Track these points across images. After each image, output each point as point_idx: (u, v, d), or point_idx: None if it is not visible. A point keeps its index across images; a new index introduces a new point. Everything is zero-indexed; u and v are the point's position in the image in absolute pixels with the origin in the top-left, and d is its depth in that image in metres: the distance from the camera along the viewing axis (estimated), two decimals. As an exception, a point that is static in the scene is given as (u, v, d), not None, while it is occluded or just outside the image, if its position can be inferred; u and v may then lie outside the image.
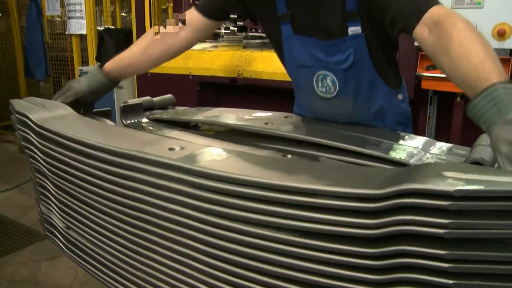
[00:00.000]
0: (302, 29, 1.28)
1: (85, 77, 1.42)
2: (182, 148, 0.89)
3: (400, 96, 1.38)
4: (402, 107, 1.40)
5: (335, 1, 1.20)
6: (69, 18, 4.51)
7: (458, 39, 0.91)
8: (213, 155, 0.86)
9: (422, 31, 1.02)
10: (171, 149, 0.89)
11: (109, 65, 1.42)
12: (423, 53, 2.11)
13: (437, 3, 1.04)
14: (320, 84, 1.32)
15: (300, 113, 1.50)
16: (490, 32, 2.34)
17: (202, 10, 1.42)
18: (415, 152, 1.05)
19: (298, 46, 1.31)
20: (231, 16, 1.46)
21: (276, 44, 1.40)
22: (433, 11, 1.01)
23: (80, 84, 1.40)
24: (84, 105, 1.43)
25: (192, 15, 1.44)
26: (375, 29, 1.20)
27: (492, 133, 0.77)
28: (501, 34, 2.31)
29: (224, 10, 1.42)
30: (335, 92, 1.31)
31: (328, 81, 1.30)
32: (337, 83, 1.30)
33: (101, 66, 1.43)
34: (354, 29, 1.21)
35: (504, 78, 0.82)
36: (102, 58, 4.05)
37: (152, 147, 0.91)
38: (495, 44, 2.34)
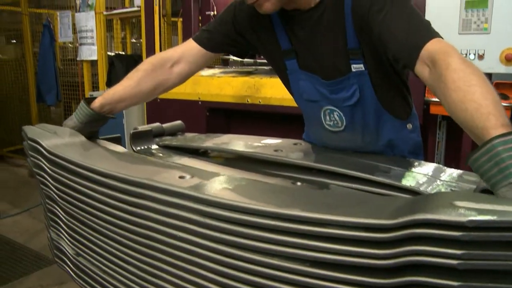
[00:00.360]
0: (307, 65, 1.28)
1: (75, 114, 1.39)
2: (192, 177, 0.89)
3: (409, 126, 1.36)
4: (412, 137, 1.38)
5: (336, 40, 1.20)
6: (81, 44, 4.59)
7: (453, 82, 0.86)
8: (223, 183, 0.86)
9: (422, 70, 0.99)
10: (181, 177, 0.90)
11: (100, 100, 1.38)
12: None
13: (434, 35, 1.01)
14: (327, 118, 1.32)
15: (309, 141, 1.49)
16: (498, 57, 2.35)
17: (201, 42, 1.39)
18: (425, 179, 1.04)
19: (305, 81, 1.30)
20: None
21: (282, 76, 1.39)
22: (429, 47, 0.98)
23: (71, 121, 1.38)
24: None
25: (190, 47, 1.41)
26: (379, 64, 1.20)
27: (496, 194, 0.73)
28: (509, 59, 2.32)
29: (224, 43, 1.39)
30: (343, 126, 1.31)
31: (335, 115, 1.30)
32: (344, 118, 1.29)
33: (88, 100, 1.39)
34: (357, 66, 1.20)
35: (502, 123, 0.78)
36: (112, 83, 4.11)
37: (162, 175, 0.91)
38: (503, 69, 2.35)
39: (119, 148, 1.32)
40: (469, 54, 2.41)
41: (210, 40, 1.39)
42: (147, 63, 1.42)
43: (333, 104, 1.28)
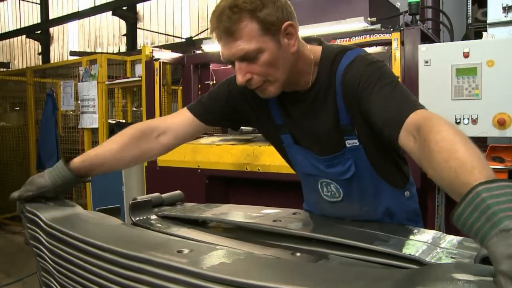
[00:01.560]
0: (302, 142, 1.31)
1: (49, 171, 1.35)
2: (190, 251, 0.89)
3: (407, 194, 1.37)
4: (410, 205, 1.38)
5: (330, 118, 1.23)
6: (82, 112, 4.68)
7: (436, 144, 0.85)
8: (222, 258, 0.86)
9: (407, 140, 0.98)
10: (179, 251, 0.89)
11: (79, 161, 1.36)
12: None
13: (419, 107, 1.02)
14: (325, 189, 1.34)
15: (309, 210, 1.48)
16: (491, 122, 2.41)
17: (196, 112, 1.40)
18: (425, 247, 1.04)
19: (301, 155, 1.32)
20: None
21: (279, 149, 1.40)
22: (412, 118, 0.98)
23: (43, 178, 1.33)
24: (48, 198, 1.35)
25: (182, 117, 1.40)
26: (373, 138, 1.22)
27: (488, 249, 0.65)
28: (501, 123, 2.38)
29: (219, 118, 1.41)
30: (340, 197, 1.32)
31: (332, 187, 1.32)
32: (341, 190, 1.31)
33: (66, 160, 1.36)
34: (351, 142, 1.22)
35: (486, 174, 0.74)
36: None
37: (160, 250, 0.91)
38: (497, 133, 2.40)
39: (116, 222, 1.31)
40: (463, 119, 2.47)
41: (205, 112, 1.40)
42: (133, 129, 1.40)
43: (330, 178, 1.30)
